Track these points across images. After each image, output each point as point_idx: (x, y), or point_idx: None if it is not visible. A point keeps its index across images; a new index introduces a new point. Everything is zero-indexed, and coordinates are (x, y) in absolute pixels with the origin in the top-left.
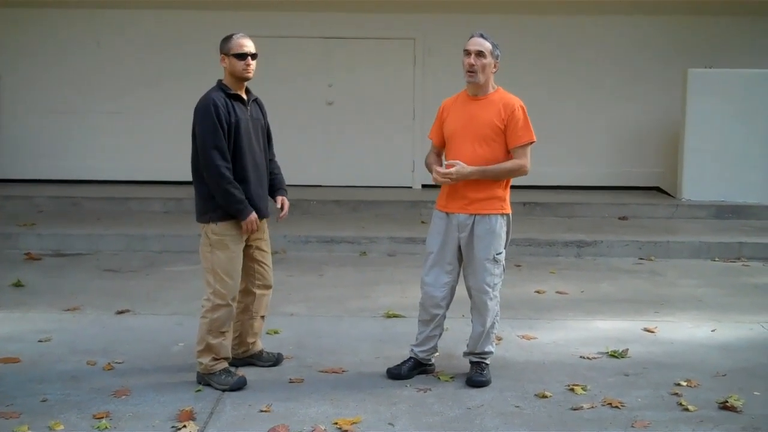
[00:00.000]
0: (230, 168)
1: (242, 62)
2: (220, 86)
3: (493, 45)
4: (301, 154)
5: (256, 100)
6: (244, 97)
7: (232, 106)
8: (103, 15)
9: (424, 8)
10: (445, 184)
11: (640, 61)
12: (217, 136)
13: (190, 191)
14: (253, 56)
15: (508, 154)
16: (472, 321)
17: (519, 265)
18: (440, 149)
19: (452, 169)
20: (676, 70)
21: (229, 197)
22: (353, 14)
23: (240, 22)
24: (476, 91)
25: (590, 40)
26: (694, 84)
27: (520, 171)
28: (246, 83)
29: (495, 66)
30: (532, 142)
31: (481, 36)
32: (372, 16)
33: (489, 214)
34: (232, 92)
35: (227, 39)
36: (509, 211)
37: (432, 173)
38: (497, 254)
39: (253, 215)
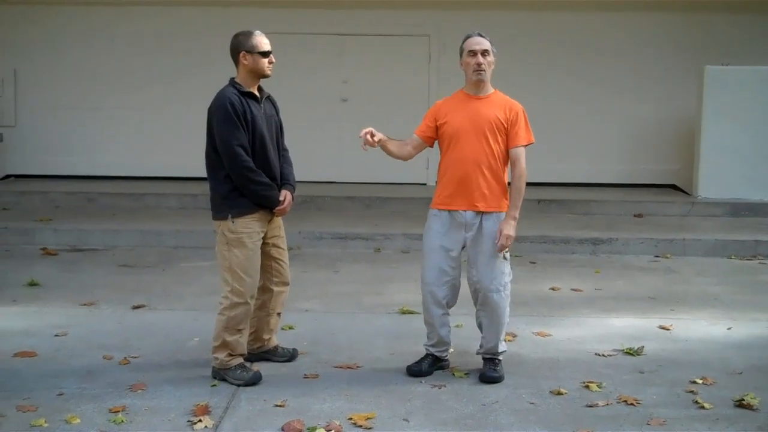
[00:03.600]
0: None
1: (266, 60)
2: (234, 84)
3: (491, 43)
4: (316, 150)
5: (269, 97)
6: (257, 95)
7: (247, 104)
8: (117, 11)
9: (438, 5)
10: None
11: (657, 58)
12: (239, 133)
13: (206, 187)
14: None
15: (505, 154)
16: (482, 327)
17: (534, 262)
18: (417, 140)
19: (504, 240)
20: (692, 67)
21: (260, 187)
22: (368, 11)
23: (254, 18)
24: (478, 90)
25: (606, 36)
26: (711, 81)
27: (524, 177)
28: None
29: (494, 63)
30: (531, 143)
31: (480, 35)
32: (387, 12)
33: (497, 212)
34: (246, 90)
35: (248, 36)
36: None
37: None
38: (506, 252)
39: (279, 194)
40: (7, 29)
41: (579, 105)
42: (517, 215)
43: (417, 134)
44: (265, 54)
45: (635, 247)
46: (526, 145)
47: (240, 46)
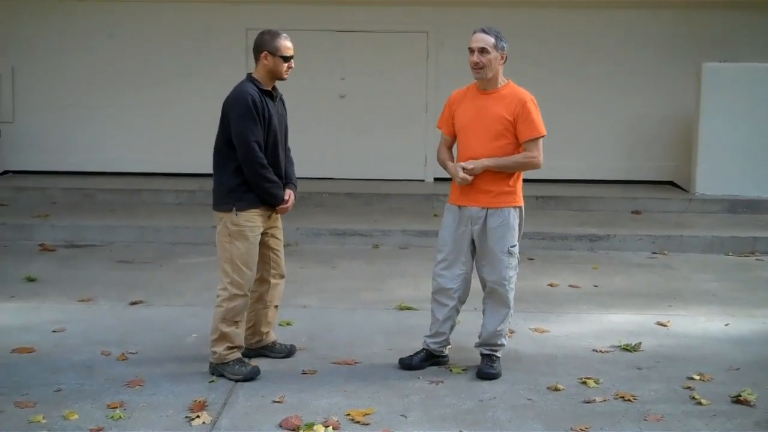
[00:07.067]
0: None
1: (286, 64)
2: (252, 81)
3: (497, 38)
4: (314, 147)
5: (280, 98)
6: (273, 93)
7: (265, 101)
8: (115, 8)
9: (436, 2)
10: (465, 181)
11: (655, 55)
12: (257, 129)
13: (203, 183)
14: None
15: (519, 148)
16: (485, 313)
17: (532, 259)
18: (451, 140)
19: (470, 164)
20: (690, 64)
21: (270, 185)
22: (366, 7)
23: (253, 15)
24: (486, 85)
25: (604, 34)
26: (709, 78)
27: (532, 164)
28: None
29: (503, 58)
30: (542, 136)
31: (483, 31)
32: (384, 9)
33: (501, 207)
34: (264, 88)
35: (274, 37)
36: (521, 203)
37: (448, 169)
38: (511, 247)
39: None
40: (4, 25)
41: (577, 102)
42: (488, 164)
43: (447, 135)
44: (287, 59)
45: (633, 243)
46: (537, 138)
47: (264, 46)
